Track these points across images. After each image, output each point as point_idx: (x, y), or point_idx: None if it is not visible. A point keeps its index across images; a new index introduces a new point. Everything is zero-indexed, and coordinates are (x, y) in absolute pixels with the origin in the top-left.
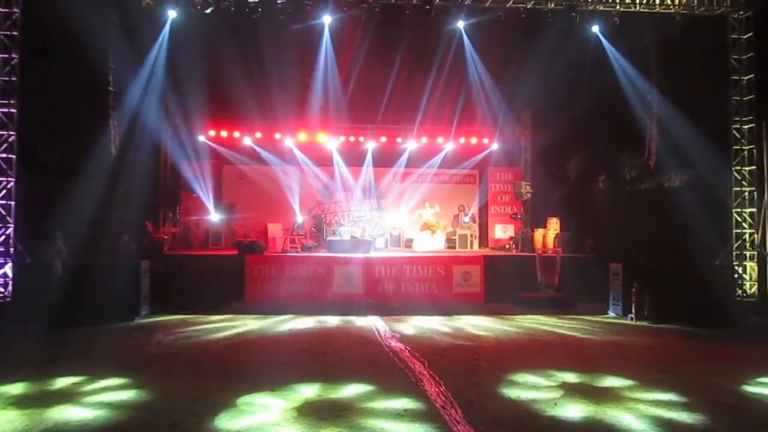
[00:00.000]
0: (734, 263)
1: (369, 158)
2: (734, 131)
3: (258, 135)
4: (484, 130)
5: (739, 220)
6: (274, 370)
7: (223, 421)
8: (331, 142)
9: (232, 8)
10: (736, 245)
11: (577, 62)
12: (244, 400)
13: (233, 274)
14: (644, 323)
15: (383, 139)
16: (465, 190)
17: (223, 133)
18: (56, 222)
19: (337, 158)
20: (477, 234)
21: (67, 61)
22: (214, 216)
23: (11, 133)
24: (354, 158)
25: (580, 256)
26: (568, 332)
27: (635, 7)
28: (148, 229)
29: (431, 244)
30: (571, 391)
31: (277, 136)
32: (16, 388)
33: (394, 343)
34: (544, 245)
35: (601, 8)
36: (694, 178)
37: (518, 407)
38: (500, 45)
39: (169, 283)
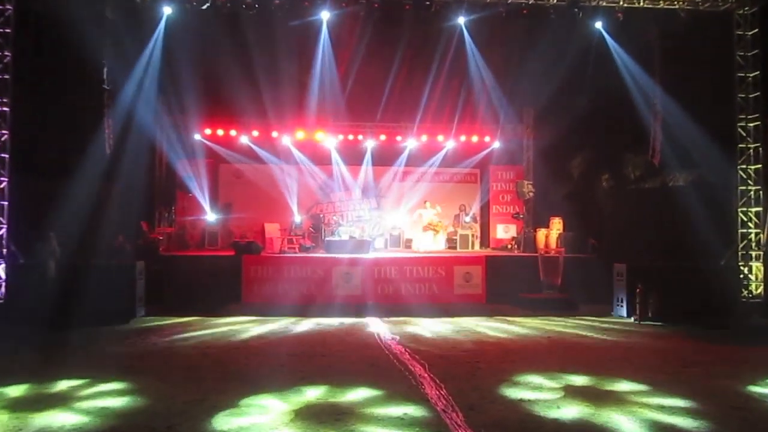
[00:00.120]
0: (740, 263)
1: (368, 157)
2: (739, 129)
3: (255, 133)
4: (486, 128)
5: (745, 219)
6: (272, 373)
7: (220, 424)
8: (329, 141)
9: (228, 4)
10: (741, 245)
11: (579, 59)
12: (242, 403)
13: (230, 275)
14: (649, 324)
15: (383, 137)
16: (466, 189)
17: (220, 132)
18: (50, 222)
19: (335, 157)
20: (478, 234)
21: (61, 59)
22: (211, 216)
23: (4, 132)
24: (353, 157)
25: (583, 257)
26: (571, 334)
27: (639, 3)
28: (143, 230)
29: (433, 245)
30: (574, 394)
31: (275, 134)
32: (8, 391)
33: (393, 346)
34: (546, 245)
35: (604, 4)
36: (699, 177)
37: (520, 411)
38: (501, 41)
39: (164, 285)
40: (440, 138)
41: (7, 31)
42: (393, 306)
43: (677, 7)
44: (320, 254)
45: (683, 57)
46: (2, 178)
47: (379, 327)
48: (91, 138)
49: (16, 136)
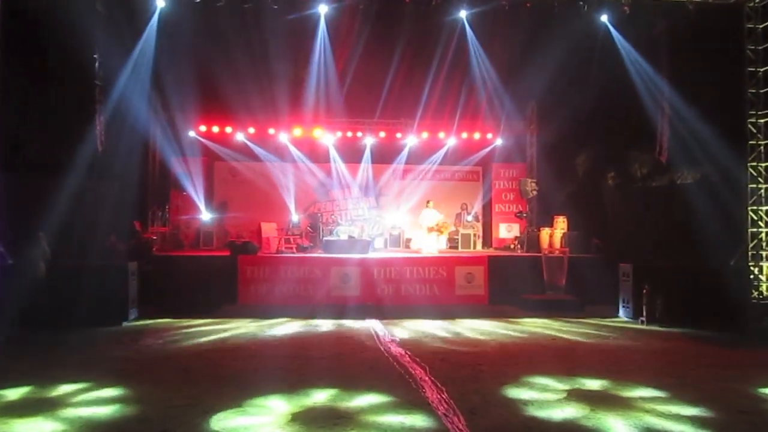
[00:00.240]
0: (750, 264)
1: (367, 154)
2: (750, 125)
3: (251, 130)
4: (488, 125)
5: (755, 218)
6: (268, 376)
7: (214, 428)
8: (327, 138)
9: None
10: (751, 245)
11: (584, 53)
12: (237, 407)
13: (225, 275)
14: (656, 327)
15: (382, 134)
16: (468, 187)
17: (215, 129)
18: (40, 221)
19: (333, 154)
20: (480, 233)
21: (51, 54)
22: (205, 215)
23: None
24: (352, 154)
25: (588, 257)
26: (575, 336)
27: None
28: (136, 229)
29: (436, 245)
30: (579, 397)
31: (271, 131)
32: None
33: (393, 348)
34: (550, 245)
35: None
36: (708, 175)
37: (523, 415)
38: (504, 36)
39: (158, 286)
40: (441, 135)
41: None
42: (393, 307)
43: None
44: (318, 254)
45: (691, 51)
46: None
47: (378, 329)
48: (82, 135)
49: (3, 133)
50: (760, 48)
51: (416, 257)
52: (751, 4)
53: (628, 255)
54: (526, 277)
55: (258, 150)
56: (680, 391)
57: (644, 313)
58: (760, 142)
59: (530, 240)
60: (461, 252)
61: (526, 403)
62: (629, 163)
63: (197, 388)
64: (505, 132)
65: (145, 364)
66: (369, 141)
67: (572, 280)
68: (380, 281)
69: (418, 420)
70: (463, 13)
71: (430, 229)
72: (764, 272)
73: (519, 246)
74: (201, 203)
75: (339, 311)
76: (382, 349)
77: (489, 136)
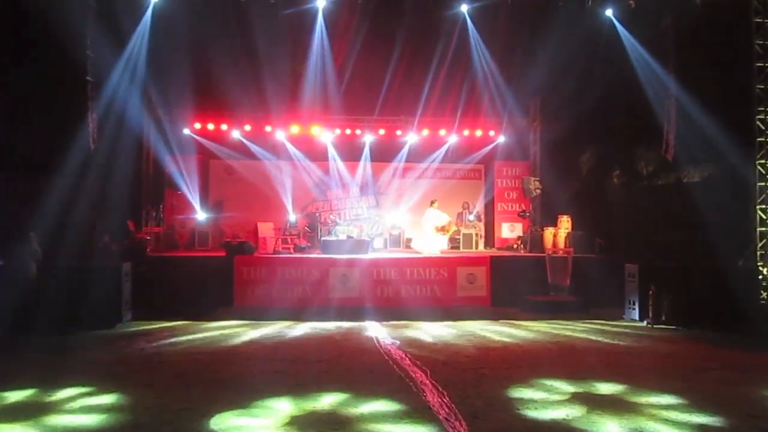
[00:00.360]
0: (758, 264)
1: (366, 152)
2: (758, 122)
3: (247, 128)
4: (490, 122)
5: (764, 217)
6: (265, 380)
7: None
8: (325, 136)
9: None
10: (760, 245)
11: (589, 48)
12: (234, 412)
13: (221, 277)
14: (662, 328)
15: (382, 131)
16: (469, 186)
17: (210, 126)
18: (30, 222)
19: (332, 152)
20: (482, 233)
21: (42, 50)
22: (201, 215)
23: None
24: (350, 152)
25: (593, 257)
26: (580, 338)
27: None
28: (130, 229)
29: (440, 245)
30: (584, 401)
31: (268, 128)
32: None
33: (393, 351)
34: (554, 245)
35: None
36: (715, 173)
37: (527, 420)
38: (507, 30)
39: (152, 287)
40: (442, 132)
41: None
42: (393, 309)
43: None
44: (316, 255)
45: (699, 46)
46: None
47: (378, 331)
48: (74, 133)
49: None
50: None
51: (416, 258)
52: None
53: (634, 255)
54: (530, 278)
55: (254, 148)
56: (688, 394)
57: (651, 315)
58: None
59: (533, 240)
60: (463, 252)
61: (529, 407)
62: (635, 160)
63: (192, 392)
64: (508, 129)
65: (139, 368)
66: (368, 138)
67: (577, 281)
68: (380, 282)
69: (419, 425)
70: (464, 7)
71: (439, 230)
72: None
73: (522, 246)
74: (196, 202)
75: (337, 313)
76: (382, 352)
77: (491, 133)
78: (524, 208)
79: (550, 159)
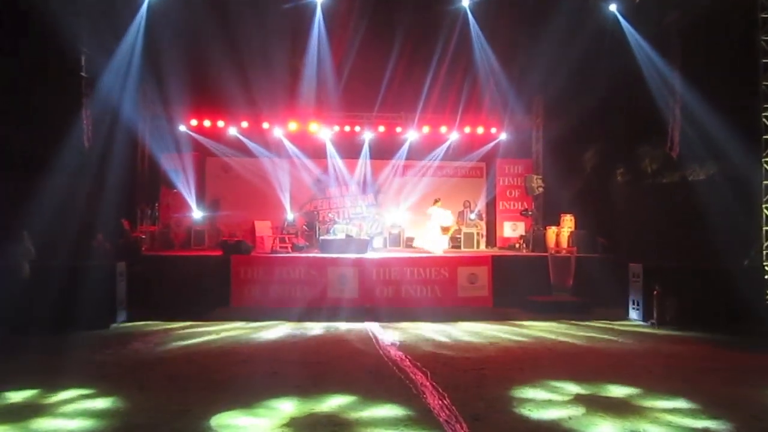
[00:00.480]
0: (764, 264)
1: (366, 150)
2: (764, 119)
3: (244, 125)
4: (492, 119)
5: None
6: (263, 382)
7: None
8: (324, 133)
9: None
10: (765, 244)
11: (593, 45)
12: (230, 414)
13: (218, 276)
14: (666, 329)
15: (381, 128)
16: (471, 184)
17: (206, 123)
18: (23, 220)
19: (330, 150)
20: (484, 232)
21: (36, 46)
22: (197, 213)
23: None
24: (349, 150)
25: (597, 257)
26: (583, 339)
27: None
28: (125, 228)
29: (444, 245)
30: (587, 403)
31: (265, 125)
32: None
33: (393, 352)
34: (557, 244)
35: None
36: (721, 171)
37: (529, 422)
38: (509, 26)
39: (147, 287)
40: (443, 129)
41: None
42: (392, 309)
43: None
44: (315, 254)
45: (704, 42)
46: None
47: (377, 332)
48: (68, 130)
49: None
50: None
51: (416, 257)
52: None
53: (638, 254)
54: (532, 278)
55: (251, 145)
56: (692, 396)
57: (655, 315)
58: None
59: (536, 239)
60: (464, 251)
61: (531, 409)
62: (639, 158)
63: (188, 394)
64: (510, 126)
65: (134, 370)
66: (367, 136)
67: (580, 281)
68: (379, 282)
69: (419, 427)
70: (466, 2)
71: (444, 230)
72: None
73: (524, 245)
74: (192, 201)
75: (336, 314)
76: (381, 353)
77: (493, 130)
78: (526, 206)
79: (552, 157)
